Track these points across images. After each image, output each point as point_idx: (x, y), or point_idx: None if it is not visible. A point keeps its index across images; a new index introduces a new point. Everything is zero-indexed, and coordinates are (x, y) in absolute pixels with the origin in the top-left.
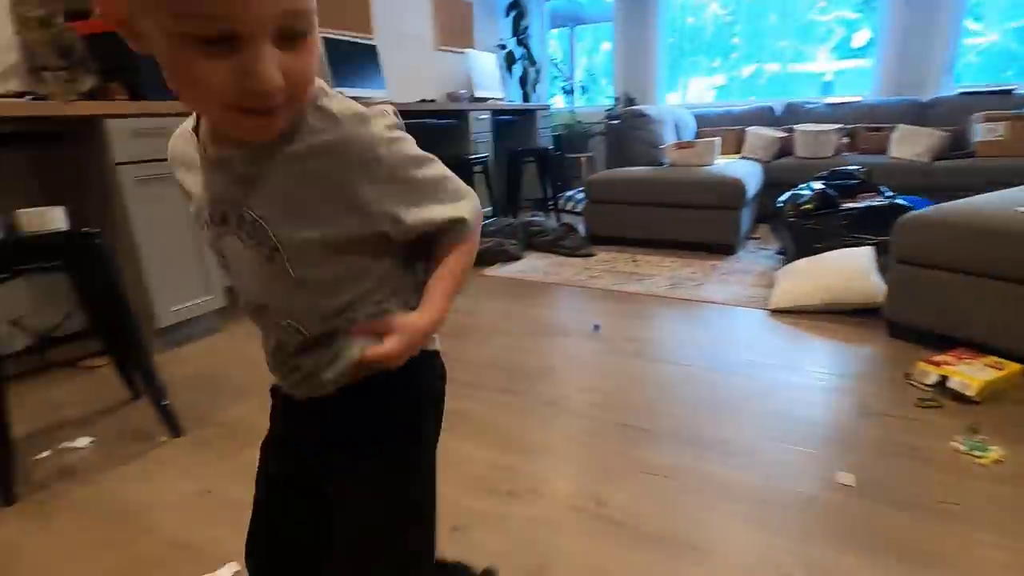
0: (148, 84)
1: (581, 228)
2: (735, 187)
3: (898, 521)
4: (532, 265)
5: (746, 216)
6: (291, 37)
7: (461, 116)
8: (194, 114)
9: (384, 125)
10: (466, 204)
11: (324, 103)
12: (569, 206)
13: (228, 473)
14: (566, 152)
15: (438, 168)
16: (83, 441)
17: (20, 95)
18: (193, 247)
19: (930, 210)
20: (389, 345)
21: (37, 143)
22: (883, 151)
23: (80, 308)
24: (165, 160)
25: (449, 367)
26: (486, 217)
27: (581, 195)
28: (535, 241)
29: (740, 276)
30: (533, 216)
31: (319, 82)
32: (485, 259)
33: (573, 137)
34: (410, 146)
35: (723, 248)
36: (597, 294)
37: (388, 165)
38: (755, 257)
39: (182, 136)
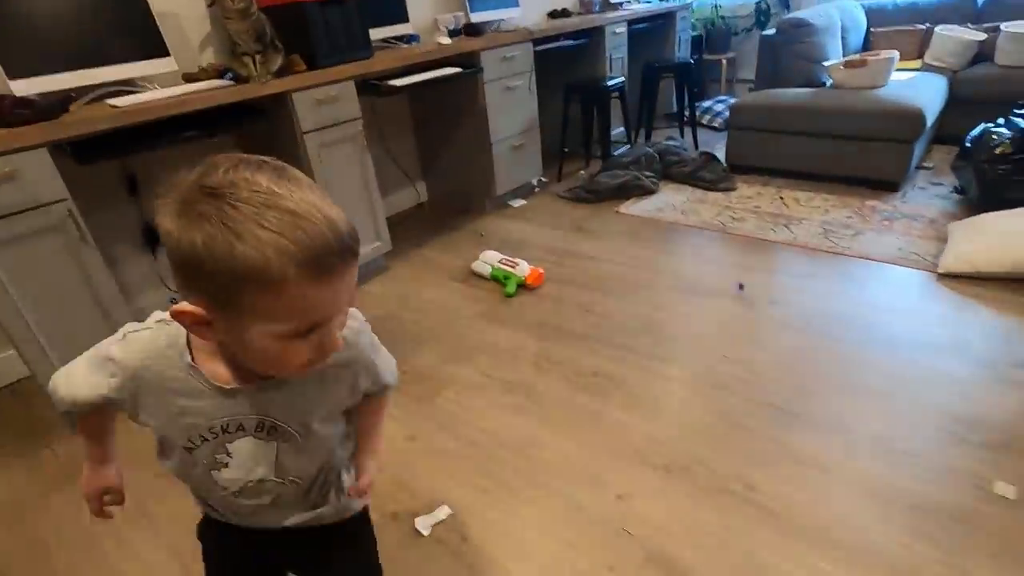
0: (320, 52)
1: (721, 154)
2: (912, 118)
3: None
4: (669, 201)
5: (919, 148)
6: None
7: (596, 32)
8: (180, 340)
9: (370, 335)
10: (393, 371)
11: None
12: (706, 119)
13: (428, 419)
14: (706, 54)
15: (383, 349)
16: None
17: (220, 70)
18: (366, 198)
19: None
20: (366, 483)
21: (240, 122)
22: None
23: None
24: (339, 124)
25: (598, 324)
26: (621, 144)
27: (721, 106)
28: (672, 172)
29: (906, 223)
30: (670, 141)
31: None
32: (621, 193)
33: (714, 35)
34: (376, 340)
35: (887, 185)
36: (740, 242)
37: (375, 363)
38: (925, 196)
39: (157, 358)
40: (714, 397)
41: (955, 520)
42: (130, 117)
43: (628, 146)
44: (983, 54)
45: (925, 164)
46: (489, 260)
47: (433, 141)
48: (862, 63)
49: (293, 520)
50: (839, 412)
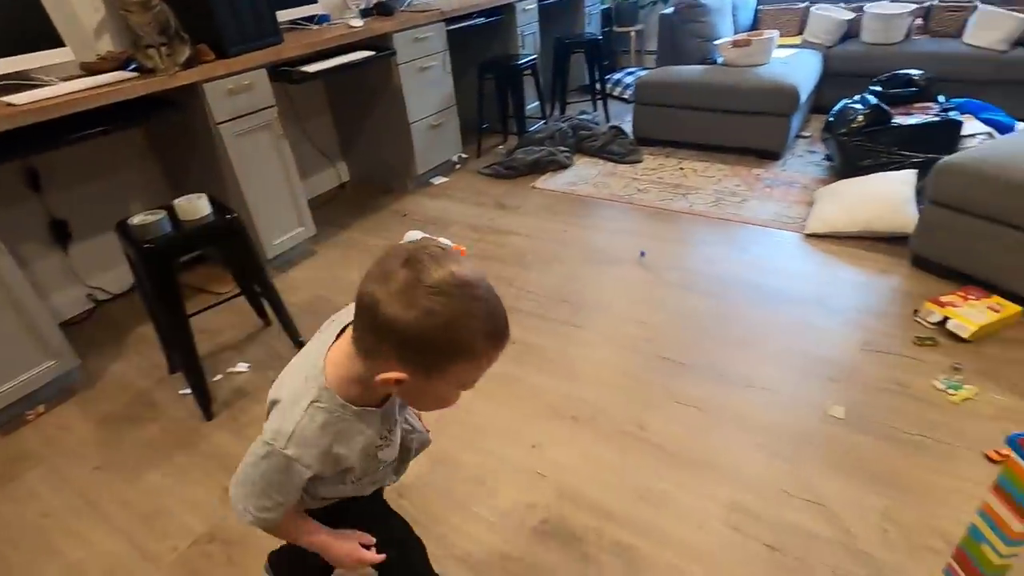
0: (227, 40)
1: (629, 127)
2: (789, 94)
3: (876, 451)
4: (582, 175)
5: (796, 120)
6: None
7: (506, 9)
8: (336, 400)
9: None
10: None
11: None
12: (618, 91)
13: None
14: (616, 26)
15: None
16: (243, 366)
17: (123, 59)
18: (286, 186)
19: (966, 158)
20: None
21: (148, 114)
22: (959, 35)
23: (224, 265)
24: (253, 113)
25: (517, 296)
26: (536, 120)
27: (631, 78)
28: (584, 146)
29: (783, 189)
30: (582, 115)
31: None
32: (538, 168)
33: (623, 8)
34: None
35: (770, 155)
36: (644, 212)
37: None
38: (802, 164)
39: (332, 428)
40: (619, 356)
41: (802, 439)
42: (31, 116)
43: (543, 121)
44: (852, 32)
45: (804, 133)
46: (412, 240)
47: (351, 122)
48: (747, 43)
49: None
50: (717, 360)
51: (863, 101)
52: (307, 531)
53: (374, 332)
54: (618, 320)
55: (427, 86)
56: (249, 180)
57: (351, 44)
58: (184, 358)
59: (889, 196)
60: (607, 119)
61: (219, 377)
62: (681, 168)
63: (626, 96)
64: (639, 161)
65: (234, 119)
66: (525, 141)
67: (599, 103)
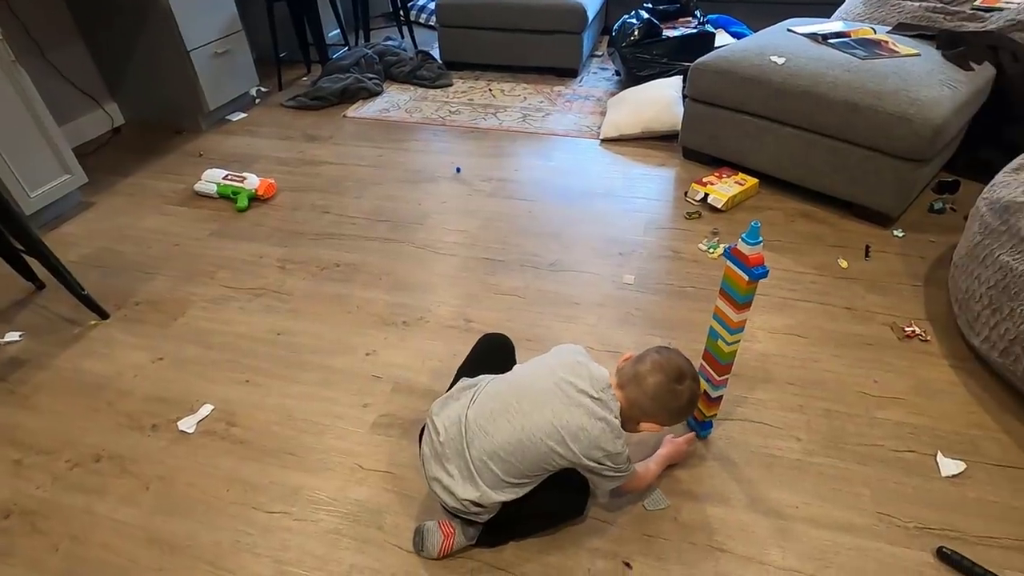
0: None
1: (437, 53)
2: (577, 12)
3: (656, 303)
4: (394, 101)
5: (588, 39)
6: None
7: None
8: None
9: None
10: None
11: None
12: (423, 18)
13: (172, 340)
14: None
15: None
16: (13, 335)
17: None
18: (34, 127)
19: (711, 58)
20: None
21: None
22: None
23: None
24: None
25: (336, 222)
26: (339, 47)
27: (432, 4)
28: (393, 72)
29: (581, 103)
30: (388, 42)
31: None
32: (347, 97)
33: None
34: None
35: (568, 72)
36: (458, 132)
37: None
38: (596, 79)
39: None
40: (441, 262)
41: (600, 305)
42: None
43: (346, 49)
44: None
45: (596, 53)
46: (213, 179)
47: (113, 52)
48: None
49: None
50: (530, 252)
51: (637, 16)
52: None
53: (667, 407)
54: (437, 231)
55: (203, 6)
56: None
57: None
58: None
59: (661, 99)
60: (414, 45)
61: None
62: (490, 89)
63: (431, 24)
64: (449, 85)
65: None
66: (329, 69)
67: (404, 30)
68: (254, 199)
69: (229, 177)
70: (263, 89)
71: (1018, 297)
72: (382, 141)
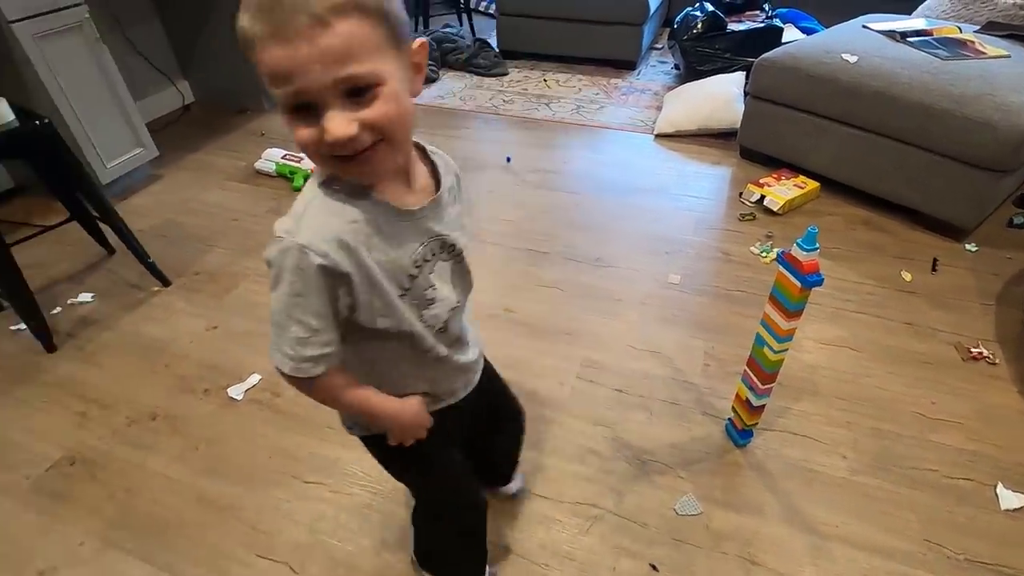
0: None
1: (495, 41)
2: (638, 2)
3: (702, 305)
4: (449, 88)
5: (649, 31)
6: (358, 93)
7: None
8: (341, 206)
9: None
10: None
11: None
12: (483, 6)
13: (225, 310)
14: None
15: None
16: (86, 296)
17: None
18: (114, 102)
19: (776, 54)
20: None
21: None
22: None
23: (41, 181)
24: (57, 12)
25: None
26: None
27: None
28: (450, 60)
29: (637, 96)
30: (447, 29)
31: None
32: None
33: None
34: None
35: (626, 64)
36: (510, 122)
37: (472, 205)
38: (654, 72)
39: (341, 225)
40: (485, 251)
41: (642, 303)
42: None
43: None
44: None
45: (656, 45)
46: (272, 158)
47: (187, 32)
48: None
49: (471, 355)
50: (574, 246)
51: (701, 8)
52: (367, 396)
53: None
54: (483, 220)
55: None
56: (66, 92)
57: None
58: (10, 292)
59: (721, 96)
60: (472, 33)
61: (58, 310)
62: (545, 80)
63: (491, 12)
64: (504, 74)
65: (32, 17)
66: None
67: (463, 17)
68: (309, 179)
69: (287, 157)
70: None
71: None
72: (435, 128)
